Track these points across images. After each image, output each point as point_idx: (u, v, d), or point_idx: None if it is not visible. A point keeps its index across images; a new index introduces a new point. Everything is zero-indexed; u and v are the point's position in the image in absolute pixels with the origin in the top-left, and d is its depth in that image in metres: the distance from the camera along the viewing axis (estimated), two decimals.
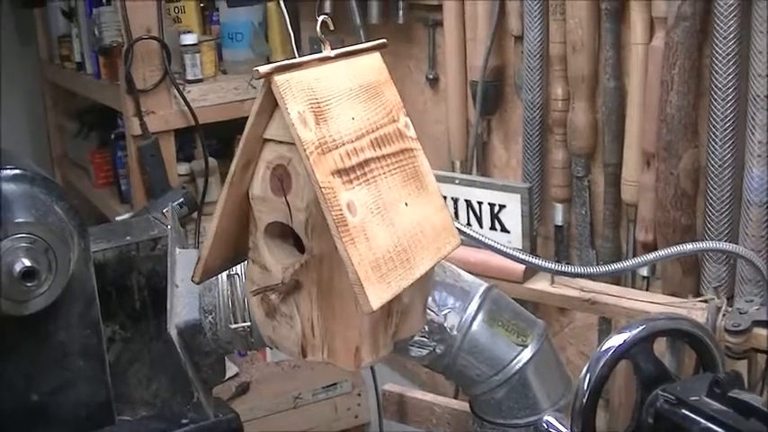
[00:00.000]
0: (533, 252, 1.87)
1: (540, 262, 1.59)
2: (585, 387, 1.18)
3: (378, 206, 0.98)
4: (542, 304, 1.90)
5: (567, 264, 1.97)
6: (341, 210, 0.93)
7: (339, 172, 0.95)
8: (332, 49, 1.02)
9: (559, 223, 2.09)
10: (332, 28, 1.01)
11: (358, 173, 0.97)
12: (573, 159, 2.02)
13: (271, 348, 1.16)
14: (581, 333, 2.13)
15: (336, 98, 0.99)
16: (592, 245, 2.04)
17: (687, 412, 1.09)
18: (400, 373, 2.71)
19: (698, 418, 1.07)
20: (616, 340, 1.19)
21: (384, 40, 1.10)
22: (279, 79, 0.94)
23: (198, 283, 1.09)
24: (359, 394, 3.11)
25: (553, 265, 1.59)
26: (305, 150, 0.92)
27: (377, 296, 0.93)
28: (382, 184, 1.00)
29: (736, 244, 1.63)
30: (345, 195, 0.94)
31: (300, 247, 1.02)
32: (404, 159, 1.06)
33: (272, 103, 0.96)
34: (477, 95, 2.18)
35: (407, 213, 1.02)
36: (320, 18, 1.02)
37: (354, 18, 2.44)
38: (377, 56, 1.09)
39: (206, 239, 1.06)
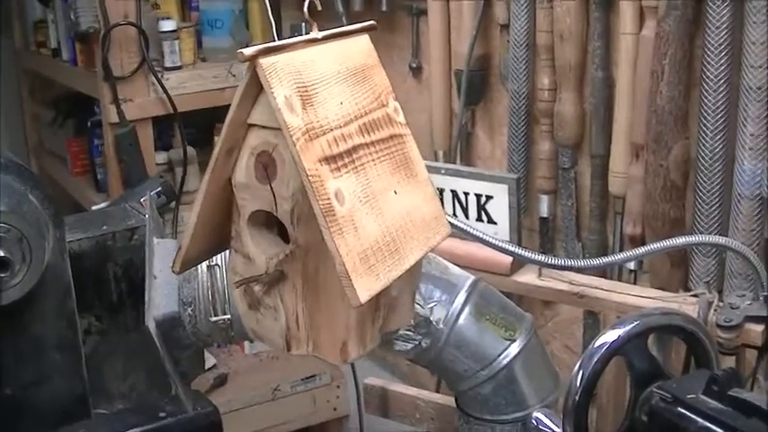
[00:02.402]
0: (519, 244, 1.84)
1: (529, 254, 1.56)
2: (578, 384, 1.15)
3: (366, 195, 0.95)
4: (526, 298, 1.88)
5: (553, 256, 1.94)
6: (328, 199, 0.89)
7: (327, 159, 0.91)
8: (319, 31, 0.99)
9: (545, 215, 2.07)
10: (319, 8, 0.97)
11: (346, 160, 0.94)
12: (559, 150, 2.00)
13: (252, 341, 1.12)
14: (566, 327, 2.11)
15: (324, 82, 0.95)
16: (578, 237, 2.02)
17: (684, 411, 1.06)
18: (380, 365, 2.69)
19: (695, 417, 1.04)
20: (609, 336, 1.16)
21: (373, 22, 1.07)
22: (264, 62, 0.90)
23: (178, 274, 1.06)
24: (338, 386, 3.08)
25: (543, 258, 1.56)
26: (291, 136, 0.89)
27: (365, 289, 0.89)
28: (371, 172, 0.97)
29: (726, 237, 1.61)
30: (333, 183, 0.91)
31: (285, 237, 0.98)
32: (393, 146, 1.02)
33: (256, 87, 0.93)
34: (462, 85, 2.16)
35: (397, 202, 0.99)
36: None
37: (337, 5, 2.42)
38: (365, 38, 1.06)
39: (186, 228, 1.02)
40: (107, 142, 2.84)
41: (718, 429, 1.01)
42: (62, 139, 3.66)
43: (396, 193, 1.00)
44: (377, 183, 0.97)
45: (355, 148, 0.96)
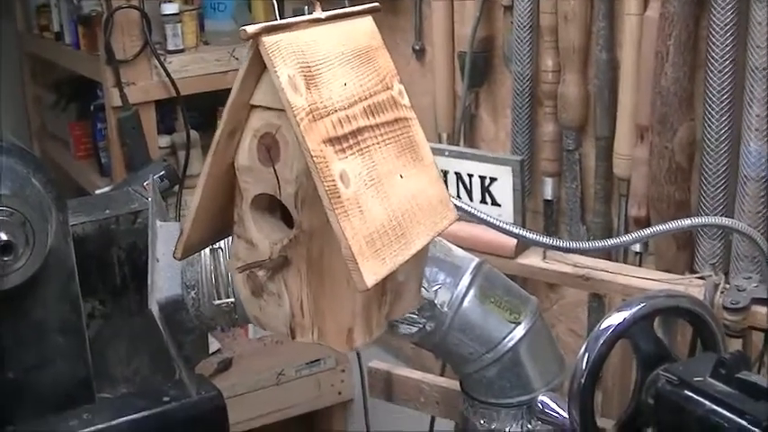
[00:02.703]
0: (523, 227, 1.84)
1: (534, 236, 1.55)
2: (584, 367, 1.14)
3: (372, 178, 0.94)
4: (531, 280, 1.87)
5: (560, 239, 1.94)
6: (333, 180, 0.88)
7: (331, 140, 0.90)
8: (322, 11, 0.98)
9: (549, 198, 2.06)
10: None
11: (351, 142, 0.93)
12: (563, 132, 1.99)
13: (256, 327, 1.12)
14: (571, 310, 2.11)
15: (328, 62, 0.95)
16: (582, 220, 2.01)
17: (690, 393, 1.05)
18: (385, 348, 2.68)
19: (702, 400, 1.03)
20: (615, 318, 1.15)
21: (377, 4, 1.06)
22: (267, 40, 0.89)
23: (180, 260, 1.05)
24: (342, 370, 3.09)
25: (548, 240, 1.55)
26: (295, 117, 0.88)
27: (371, 272, 0.89)
28: (376, 155, 0.96)
29: (732, 219, 1.60)
30: (338, 165, 0.90)
31: (289, 221, 0.97)
32: (398, 129, 1.01)
33: (259, 67, 0.92)
34: (465, 67, 2.14)
35: (402, 186, 0.98)
36: None
37: None
38: (369, 20, 1.05)
39: (188, 213, 1.01)
40: (110, 126, 2.84)
41: (725, 412, 1.00)
42: (65, 122, 3.66)
43: (401, 176, 0.99)
44: (382, 166, 0.97)
45: (360, 130, 0.95)
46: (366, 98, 0.98)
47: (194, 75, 2.85)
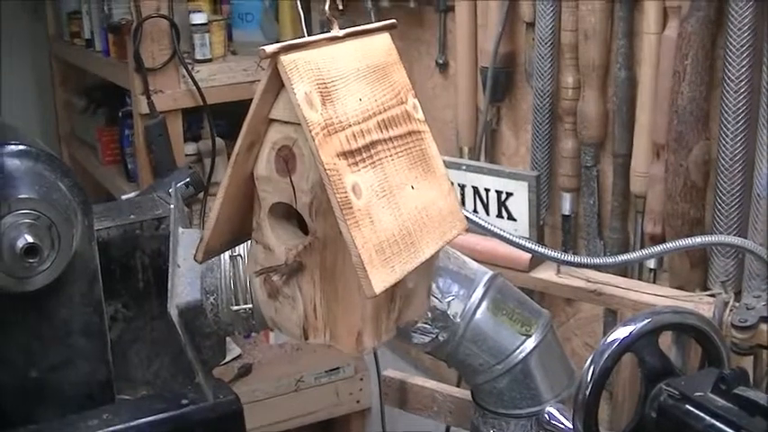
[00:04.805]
0: (540, 241, 1.86)
1: (546, 251, 1.57)
2: (589, 379, 1.16)
3: (383, 189, 0.97)
4: (548, 294, 1.89)
5: (574, 254, 1.96)
6: (346, 192, 0.92)
7: (345, 154, 0.94)
8: (340, 29, 1.01)
9: (567, 213, 2.07)
10: (340, 7, 0.99)
11: (364, 155, 0.96)
12: (582, 149, 2.01)
13: (272, 330, 1.15)
14: (586, 324, 2.12)
15: (344, 79, 0.98)
16: (599, 235, 2.02)
17: (691, 408, 1.07)
18: (404, 358, 2.70)
19: (702, 414, 1.05)
20: (621, 332, 1.17)
21: (393, 21, 1.09)
22: (285, 59, 0.92)
23: (200, 263, 1.08)
24: (361, 379, 3.10)
25: (559, 255, 1.57)
26: (310, 132, 0.91)
27: (380, 280, 0.92)
28: (388, 167, 0.99)
29: (746, 238, 1.62)
30: (351, 178, 0.93)
31: (305, 229, 1.01)
32: (411, 142, 1.04)
33: (277, 84, 0.95)
34: (488, 82, 2.17)
35: (413, 197, 1.01)
36: None
37: (366, 1, 2.43)
38: (386, 36, 1.08)
39: (209, 218, 1.05)
40: (137, 132, 2.88)
41: (723, 427, 1.02)
42: (93, 128, 3.70)
43: (413, 188, 1.02)
44: (394, 177, 1.00)
45: (373, 144, 0.98)
46: (380, 112, 1.01)
47: (221, 84, 2.89)
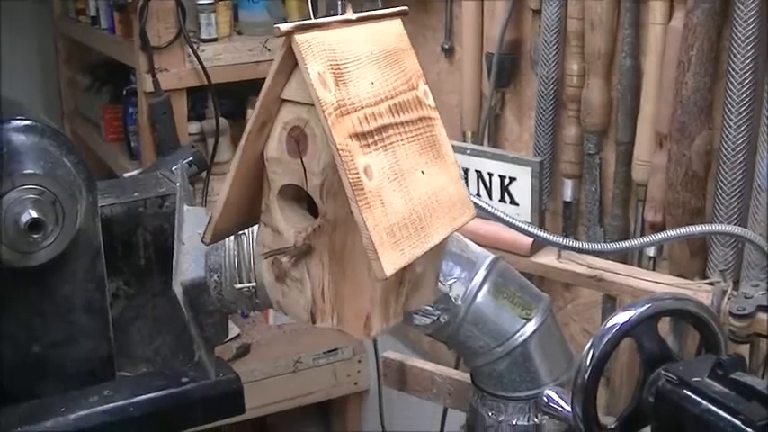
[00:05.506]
0: (541, 226, 1.87)
1: (547, 236, 1.59)
2: (588, 363, 1.18)
3: (394, 172, 0.98)
4: (547, 279, 1.90)
5: (575, 239, 1.97)
6: (357, 173, 0.93)
7: (357, 135, 0.95)
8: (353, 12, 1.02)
9: (568, 199, 2.08)
10: None
11: (376, 138, 0.97)
12: (585, 136, 2.01)
13: (277, 312, 1.16)
14: (585, 310, 2.13)
15: (356, 62, 0.99)
16: (600, 222, 2.03)
17: (688, 393, 1.08)
18: (402, 341, 2.72)
19: (699, 399, 1.07)
20: (621, 318, 1.19)
21: (405, 8, 1.10)
22: (300, 38, 0.93)
23: (208, 245, 1.09)
24: (359, 361, 3.12)
25: (561, 240, 1.59)
26: (324, 111, 0.92)
27: (390, 262, 0.93)
28: (399, 151, 1.00)
29: (742, 228, 1.63)
30: (363, 159, 0.94)
31: (314, 211, 1.01)
32: (422, 127, 1.05)
33: (291, 63, 0.96)
34: (493, 68, 2.17)
35: (424, 182, 1.02)
36: None
37: None
38: (398, 23, 1.09)
39: (218, 200, 1.05)
40: (141, 110, 2.88)
41: (720, 412, 1.04)
42: (97, 105, 3.70)
43: (423, 173, 1.03)
44: (405, 162, 1.01)
45: (385, 127, 0.99)
46: (392, 97, 1.02)
47: (226, 64, 2.89)
